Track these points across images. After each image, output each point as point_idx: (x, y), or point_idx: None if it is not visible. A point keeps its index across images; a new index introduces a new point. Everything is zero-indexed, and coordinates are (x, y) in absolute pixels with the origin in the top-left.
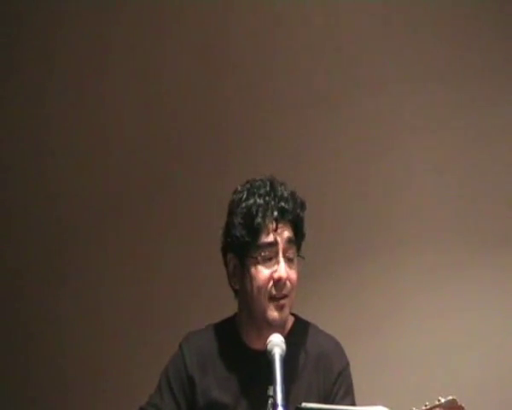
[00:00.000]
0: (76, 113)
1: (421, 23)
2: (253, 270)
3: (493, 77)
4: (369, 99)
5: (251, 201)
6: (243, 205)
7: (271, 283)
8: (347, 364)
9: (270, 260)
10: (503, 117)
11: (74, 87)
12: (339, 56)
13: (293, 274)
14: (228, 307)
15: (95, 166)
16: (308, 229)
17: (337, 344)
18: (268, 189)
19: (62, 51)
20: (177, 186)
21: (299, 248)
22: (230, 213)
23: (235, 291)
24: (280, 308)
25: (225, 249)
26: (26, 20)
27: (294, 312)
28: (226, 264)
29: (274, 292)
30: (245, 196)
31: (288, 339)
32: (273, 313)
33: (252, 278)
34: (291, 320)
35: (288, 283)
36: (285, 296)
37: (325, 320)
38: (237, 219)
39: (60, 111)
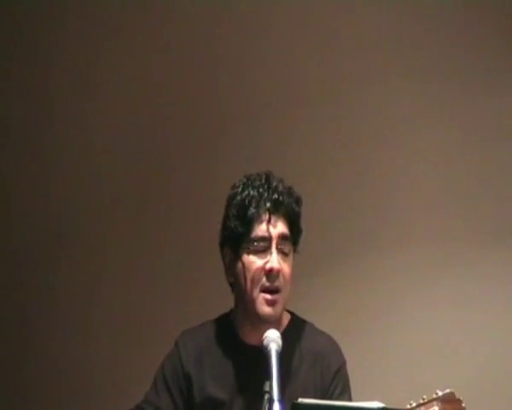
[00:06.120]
0: (72, 110)
1: (422, 19)
2: (245, 260)
3: (494, 72)
4: (371, 92)
5: (245, 193)
6: (238, 197)
7: (263, 273)
8: (344, 363)
9: (263, 251)
10: (504, 112)
11: (71, 86)
12: (337, 51)
13: (286, 268)
14: (226, 303)
15: (91, 163)
16: (305, 224)
17: (334, 343)
18: (263, 181)
19: (58, 48)
20: (175, 183)
21: (295, 244)
22: (227, 207)
23: (232, 285)
24: (272, 304)
25: (222, 243)
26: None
27: (290, 308)
28: (223, 258)
29: (266, 284)
30: (240, 189)
31: (284, 336)
32: (265, 308)
33: (244, 269)
34: (287, 318)
35: (280, 275)
36: (277, 290)
37: (322, 317)
38: (232, 211)
39: (57, 109)
